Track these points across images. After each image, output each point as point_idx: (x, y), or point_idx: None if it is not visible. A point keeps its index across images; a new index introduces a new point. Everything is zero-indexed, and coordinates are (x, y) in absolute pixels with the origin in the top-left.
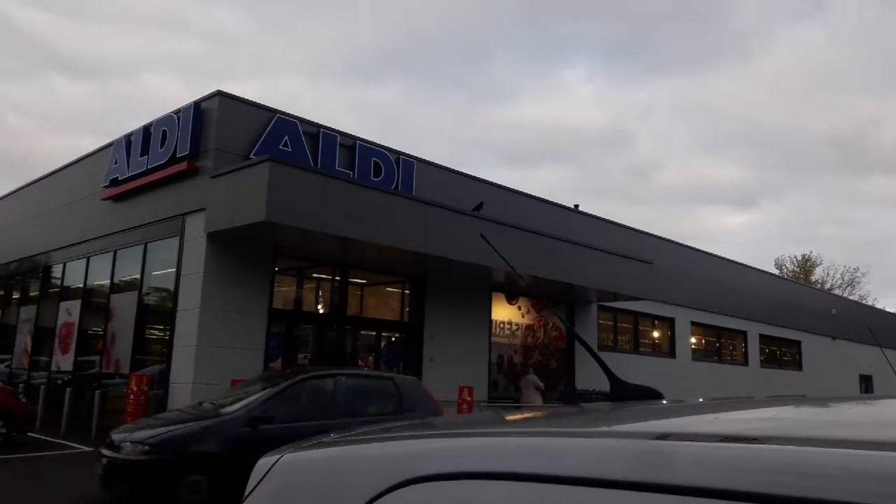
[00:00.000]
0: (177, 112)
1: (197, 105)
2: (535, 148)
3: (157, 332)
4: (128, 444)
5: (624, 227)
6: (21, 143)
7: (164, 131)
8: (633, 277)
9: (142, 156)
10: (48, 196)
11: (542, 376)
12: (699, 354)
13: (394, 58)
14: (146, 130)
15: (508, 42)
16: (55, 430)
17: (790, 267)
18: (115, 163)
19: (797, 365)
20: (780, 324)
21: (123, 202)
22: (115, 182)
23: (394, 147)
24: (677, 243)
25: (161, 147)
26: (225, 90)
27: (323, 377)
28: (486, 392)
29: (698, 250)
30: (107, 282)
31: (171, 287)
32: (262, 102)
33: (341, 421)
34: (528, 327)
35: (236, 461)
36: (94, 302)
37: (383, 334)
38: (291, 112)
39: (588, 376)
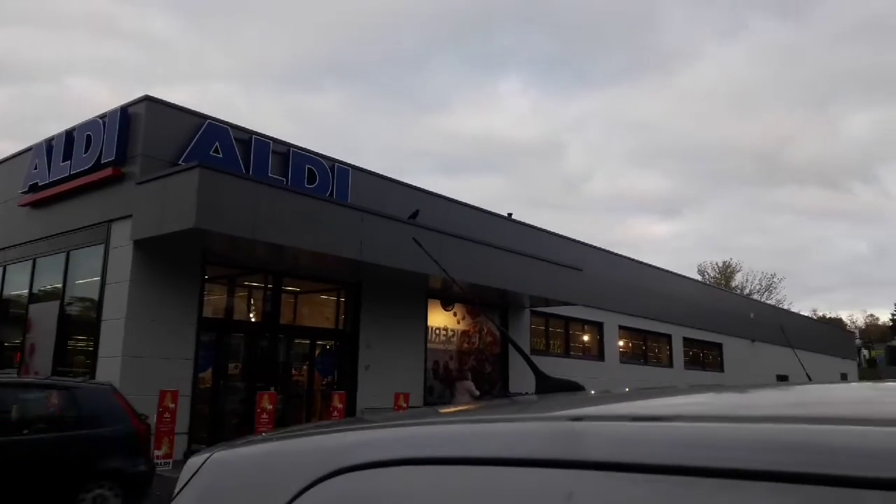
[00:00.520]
0: (102, 117)
1: (124, 110)
2: (471, 158)
3: (80, 342)
4: None
5: (556, 235)
6: None
7: (89, 136)
8: (564, 283)
9: (64, 161)
10: None
11: (477, 381)
12: (627, 357)
13: (333, 67)
14: (69, 135)
15: (447, 54)
16: None
17: (712, 273)
18: (35, 168)
19: (719, 366)
20: (702, 327)
21: (44, 209)
22: (34, 188)
23: (330, 155)
24: (606, 251)
25: (85, 152)
26: (154, 95)
27: None
28: (422, 398)
29: (626, 257)
30: (25, 291)
31: (96, 296)
32: (194, 108)
33: None
34: (464, 333)
35: None
36: (11, 313)
37: (317, 343)
38: (224, 118)
39: (521, 380)
